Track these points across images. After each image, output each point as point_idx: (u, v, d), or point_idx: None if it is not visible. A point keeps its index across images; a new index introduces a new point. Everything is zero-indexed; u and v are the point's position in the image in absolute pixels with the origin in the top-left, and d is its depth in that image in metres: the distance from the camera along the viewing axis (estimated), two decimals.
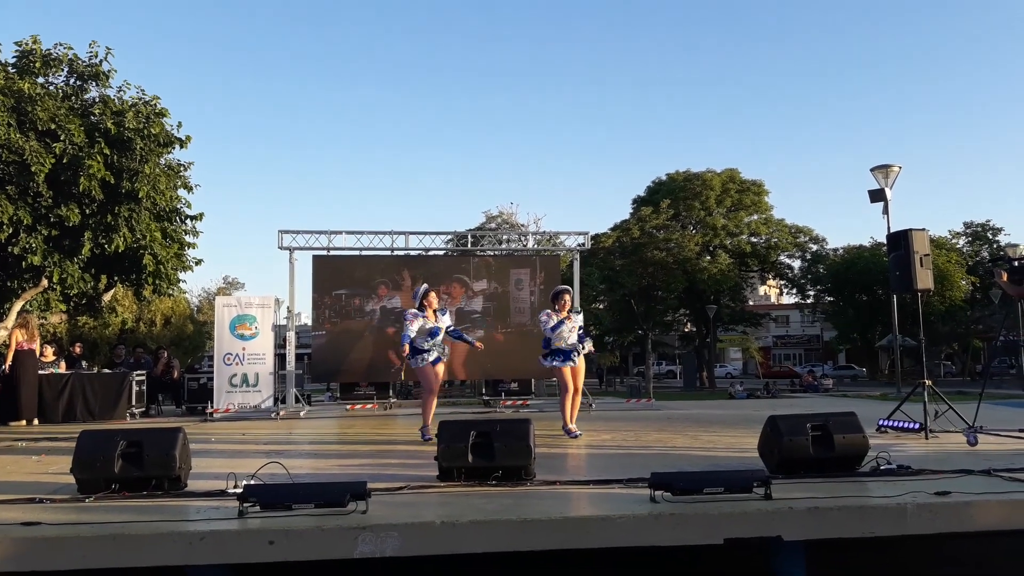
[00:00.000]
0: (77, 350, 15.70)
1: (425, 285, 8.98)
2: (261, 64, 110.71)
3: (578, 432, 8.47)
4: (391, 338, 13.06)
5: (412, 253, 13.99)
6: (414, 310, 8.63)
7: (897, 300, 20.54)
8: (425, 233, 13.97)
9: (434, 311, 8.64)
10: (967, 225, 46.63)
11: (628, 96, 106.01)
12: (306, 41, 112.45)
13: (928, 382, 8.11)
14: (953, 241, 44.95)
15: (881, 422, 8.37)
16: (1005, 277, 7.78)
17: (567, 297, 8.77)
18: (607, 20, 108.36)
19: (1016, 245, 29.21)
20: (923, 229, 8.33)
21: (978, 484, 4.98)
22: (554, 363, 8.66)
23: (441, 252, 15.00)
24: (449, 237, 14.84)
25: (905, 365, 32.18)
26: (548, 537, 4.21)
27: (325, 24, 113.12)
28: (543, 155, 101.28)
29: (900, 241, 8.37)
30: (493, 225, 40.50)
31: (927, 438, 7.64)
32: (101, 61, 14.52)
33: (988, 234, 45.73)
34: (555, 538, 4.21)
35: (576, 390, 8.76)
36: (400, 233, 13.68)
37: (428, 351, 8.48)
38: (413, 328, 8.42)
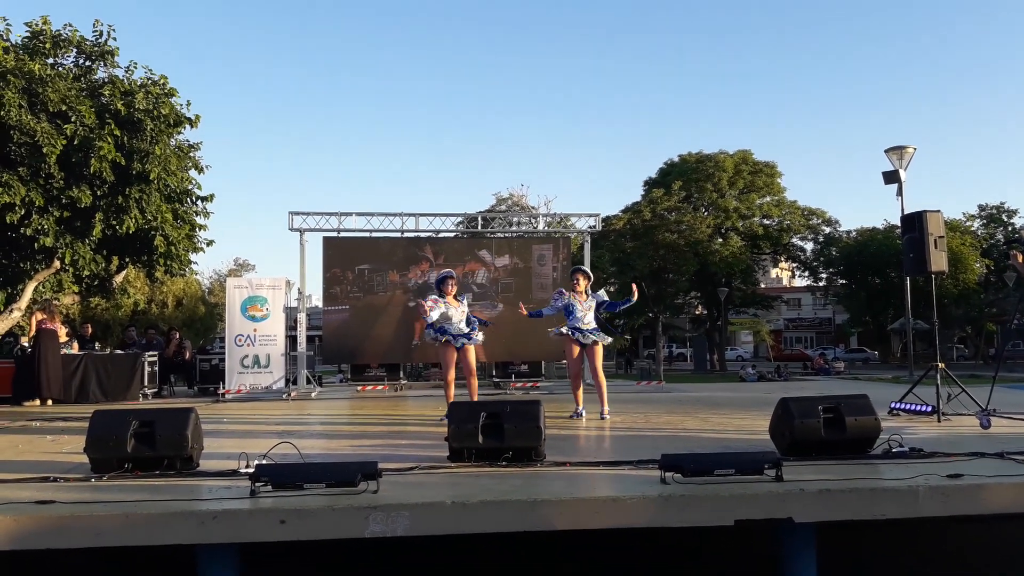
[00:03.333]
0: (88, 331, 15.82)
1: (446, 271, 9.08)
2: (270, 45, 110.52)
3: (582, 412, 8.65)
4: (408, 316, 13.18)
5: (422, 235, 13.99)
6: (435, 296, 8.76)
7: (910, 283, 20.42)
8: (436, 215, 13.98)
9: (454, 298, 8.72)
10: (981, 207, 46.28)
11: (641, 77, 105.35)
12: (315, 23, 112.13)
13: (941, 365, 8.07)
14: (967, 224, 44.59)
15: (893, 405, 8.34)
16: (1020, 259, 7.72)
17: (579, 277, 8.90)
18: (618, 1, 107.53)
19: None
20: (937, 211, 8.25)
21: (991, 467, 4.95)
22: (561, 330, 8.80)
23: (451, 235, 15.00)
24: (460, 219, 14.84)
25: (918, 348, 32.03)
26: (558, 518, 4.21)
27: (334, 5, 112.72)
28: (554, 137, 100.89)
29: (914, 223, 8.30)
30: (504, 207, 40.44)
31: (939, 421, 7.60)
32: (106, 40, 14.52)
33: (1003, 216, 45.36)
34: (565, 519, 4.22)
35: (593, 371, 8.85)
36: (410, 215, 13.69)
37: (444, 332, 8.60)
38: (433, 316, 8.51)
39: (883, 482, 4.57)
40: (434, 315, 8.47)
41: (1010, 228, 43.51)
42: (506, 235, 15.61)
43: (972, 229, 44.19)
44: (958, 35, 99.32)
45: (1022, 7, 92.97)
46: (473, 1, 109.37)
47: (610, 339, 9.33)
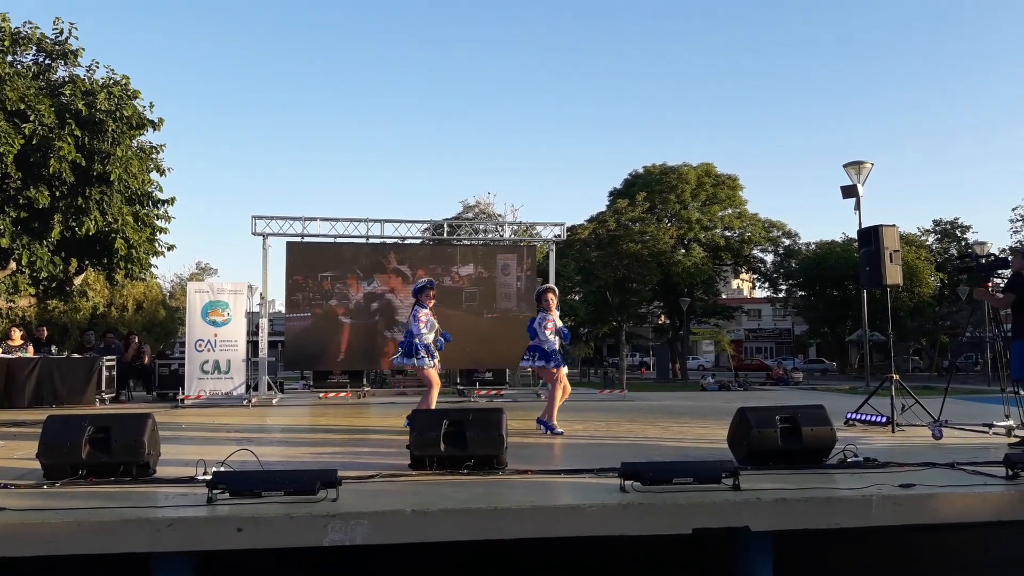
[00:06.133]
0: (43, 334, 15.49)
1: (427, 280, 8.74)
2: (235, 49, 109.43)
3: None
4: (371, 323, 13.16)
5: (388, 241, 13.94)
6: (425, 309, 8.21)
7: (867, 295, 20.76)
8: (401, 221, 13.93)
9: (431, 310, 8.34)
10: (936, 223, 47.33)
11: (606, 88, 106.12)
12: (281, 28, 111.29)
13: (895, 376, 8.23)
14: (922, 238, 45.53)
15: (849, 415, 8.49)
16: (989, 287, 7.80)
17: (550, 296, 8.47)
18: (585, 12, 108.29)
19: (984, 243, 29.71)
20: (893, 225, 8.43)
21: (942, 477, 5.07)
22: (551, 366, 8.31)
23: (417, 241, 14.97)
24: (426, 226, 14.82)
25: (874, 360, 32.59)
26: (519, 526, 4.23)
27: (300, 10, 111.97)
28: (521, 146, 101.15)
29: (871, 237, 8.48)
30: (471, 215, 40.43)
31: (893, 431, 7.76)
32: (67, 38, 14.25)
33: (957, 232, 46.42)
34: (525, 527, 4.23)
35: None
36: (376, 221, 13.63)
37: (432, 354, 8.18)
38: (424, 328, 8.08)
39: (838, 491, 4.65)
40: (429, 337, 8.05)
41: (963, 243, 44.49)
42: (472, 243, 15.60)
43: (927, 244, 45.13)
44: (916, 54, 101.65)
45: (978, 27, 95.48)
46: (441, 11, 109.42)
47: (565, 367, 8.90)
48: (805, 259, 43.28)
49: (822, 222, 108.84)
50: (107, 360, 13.11)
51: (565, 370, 8.41)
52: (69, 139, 12.86)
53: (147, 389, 14.65)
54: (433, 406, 8.04)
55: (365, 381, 14.27)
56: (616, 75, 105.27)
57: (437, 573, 5.00)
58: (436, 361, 8.25)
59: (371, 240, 13.71)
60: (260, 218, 13.15)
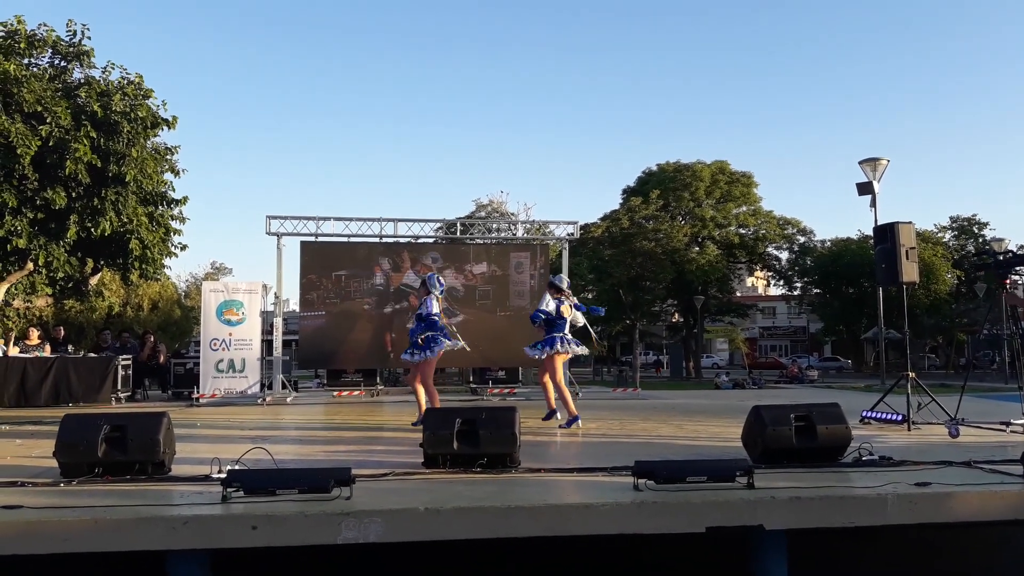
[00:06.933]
0: (60, 333, 15.64)
1: (427, 274, 9.03)
2: (247, 49, 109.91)
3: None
4: (384, 321, 13.21)
5: (401, 240, 13.96)
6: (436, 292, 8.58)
7: (883, 293, 20.64)
8: (414, 220, 13.94)
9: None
10: (953, 219, 46.86)
11: (619, 87, 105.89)
12: (294, 27, 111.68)
13: (912, 374, 8.17)
14: (939, 235, 45.11)
15: (864, 413, 8.44)
16: (1007, 285, 7.74)
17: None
18: (598, 10, 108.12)
19: (1001, 239, 29.46)
20: (909, 222, 8.36)
21: (958, 475, 5.03)
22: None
23: (430, 240, 14.98)
24: (439, 225, 14.82)
25: (890, 357, 32.38)
26: (531, 524, 4.22)
27: (311, 9, 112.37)
28: (534, 144, 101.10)
29: (887, 234, 8.41)
30: (484, 213, 40.45)
31: (909, 430, 7.71)
32: (81, 40, 14.35)
33: (974, 228, 45.98)
34: (538, 525, 4.23)
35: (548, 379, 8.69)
36: (389, 220, 13.65)
37: (418, 346, 8.44)
38: (435, 307, 8.45)
39: (853, 490, 4.62)
40: (435, 307, 8.39)
41: (981, 240, 44.08)
42: (485, 241, 15.61)
43: (944, 240, 44.73)
44: (934, 50, 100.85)
45: (995, 26, 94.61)
46: (456, 11, 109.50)
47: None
48: (820, 256, 43.00)
49: (837, 219, 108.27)
50: (123, 359, 13.20)
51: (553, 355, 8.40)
52: (85, 140, 12.96)
53: (162, 388, 14.74)
54: (414, 391, 8.53)
55: (378, 379, 14.31)
56: (630, 73, 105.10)
57: (450, 571, 5.00)
58: (425, 352, 8.39)
59: (384, 239, 13.74)
60: (274, 218, 13.21)
